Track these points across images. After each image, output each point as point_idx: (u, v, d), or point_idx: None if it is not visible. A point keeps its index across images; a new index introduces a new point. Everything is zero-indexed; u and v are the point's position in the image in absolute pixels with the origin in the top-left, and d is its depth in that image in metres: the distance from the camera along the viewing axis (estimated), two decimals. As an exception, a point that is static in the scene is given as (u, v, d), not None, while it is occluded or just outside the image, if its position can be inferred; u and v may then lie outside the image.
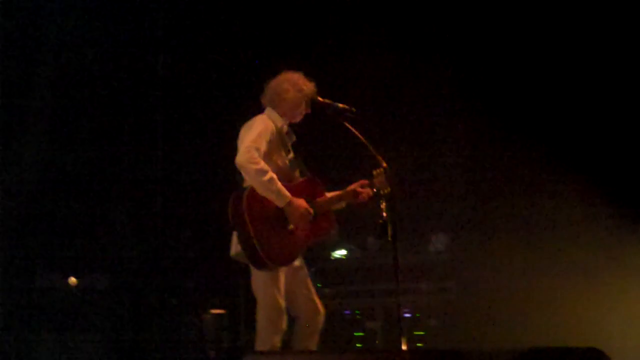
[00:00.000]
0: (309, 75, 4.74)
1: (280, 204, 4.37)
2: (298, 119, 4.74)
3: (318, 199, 4.62)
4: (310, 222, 4.53)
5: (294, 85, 4.67)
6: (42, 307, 5.99)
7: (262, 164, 4.32)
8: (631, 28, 6.46)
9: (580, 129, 6.58)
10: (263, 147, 4.41)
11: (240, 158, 4.34)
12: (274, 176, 4.35)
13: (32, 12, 6.72)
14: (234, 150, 4.59)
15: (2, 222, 6.44)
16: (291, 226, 4.44)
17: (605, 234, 6.26)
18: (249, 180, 4.36)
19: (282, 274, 4.48)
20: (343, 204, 4.76)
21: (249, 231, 4.26)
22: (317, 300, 4.67)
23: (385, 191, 4.56)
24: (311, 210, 4.49)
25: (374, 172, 4.64)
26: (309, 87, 4.69)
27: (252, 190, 4.33)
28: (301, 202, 4.45)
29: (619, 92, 6.50)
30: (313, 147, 5.59)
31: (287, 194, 4.39)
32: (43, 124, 6.85)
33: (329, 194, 4.72)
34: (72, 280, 6.12)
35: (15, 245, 6.38)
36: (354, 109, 4.64)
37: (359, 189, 4.73)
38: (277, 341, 4.45)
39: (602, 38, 6.53)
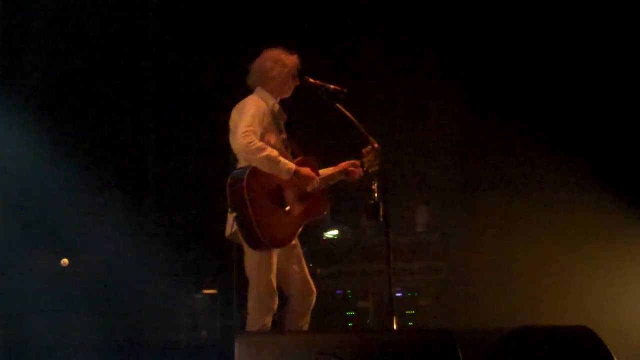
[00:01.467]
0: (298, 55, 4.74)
1: (286, 176, 4.43)
2: (288, 94, 4.76)
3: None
4: (305, 201, 4.56)
5: (277, 61, 4.68)
6: (33, 288, 5.98)
7: (260, 143, 4.36)
8: (631, 20, 6.45)
9: (576, 111, 6.59)
10: (258, 128, 4.43)
11: (239, 144, 4.37)
12: (275, 151, 4.39)
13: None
14: (225, 129, 4.61)
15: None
16: (288, 207, 4.47)
17: (597, 210, 6.28)
18: (253, 162, 4.37)
19: (276, 254, 4.51)
20: (332, 182, 4.79)
21: (249, 212, 4.28)
22: (310, 280, 4.70)
23: (373, 169, 4.66)
24: (315, 176, 4.52)
25: (363, 151, 4.72)
26: (291, 59, 4.70)
27: (252, 171, 4.35)
28: (305, 169, 4.53)
29: (621, 82, 6.49)
30: (304, 128, 5.60)
31: (292, 164, 4.45)
32: (37, 113, 6.82)
33: (321, 172, 4.75)
34: (64, 261, 6.11)
35: (6, 226, 6.36)
36: (345, 90, 4.65)
37: (350, 168, 4.77)
38: (267, 321, 4.49)
39: (602, 25, 6.52)
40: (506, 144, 6.92)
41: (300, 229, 4.60)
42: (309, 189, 4.57)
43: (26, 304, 5.92)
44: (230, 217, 4.41)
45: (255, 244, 4.37)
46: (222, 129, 4.65)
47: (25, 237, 6.32)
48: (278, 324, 4.71)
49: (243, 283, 4.64)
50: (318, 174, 4.70)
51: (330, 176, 4.76)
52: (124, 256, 6.78)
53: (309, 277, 4.71)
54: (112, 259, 6.56)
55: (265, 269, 4.45)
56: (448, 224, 6.90)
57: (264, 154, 4.35)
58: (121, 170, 7.19)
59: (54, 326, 5.98)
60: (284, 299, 4.65)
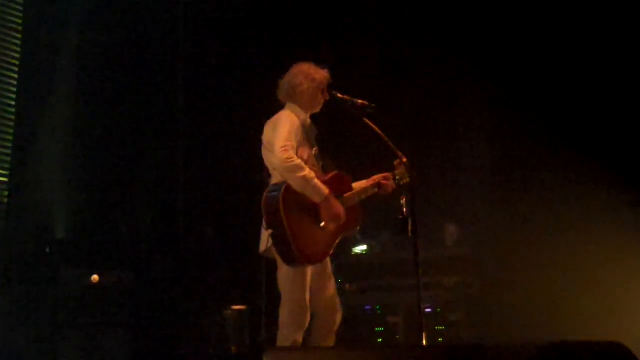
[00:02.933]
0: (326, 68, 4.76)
1: (317, 199, 4.41)
2: (318, 108, 4.76)
3: (347, 194, 4.65)
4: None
5: (307, 76, 4.68)
6: (66, 303, 6.03)
7: (299, 161, 4.37)
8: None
9: (601, 129, 6.53)
10: (295, 144, 4.44)
11: (277, 159, 4.37)
12: (312, 172, 4.40)
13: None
14: (257, 146, 4.63)
15: (26, 218, 6.50)
16: (323, 223, 4.46)
17: (631, 228, 6.21)
18: (289, 179, 4.37)
19: (310, 271, 4.50)
20: (365, 196, 4.78)
21: (285, 228, 4.27)
22: (338, 298, 4.69)
23: (405, 181, 4.65)
24: (344, 214, 4.50)
25: (395, 163, 4.70)
26: (321, 74, 4.71)
27: (288, 187, 4.35)
28: (337, 203, 4.47)
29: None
30: (334, 143, 5.61)
31: (325, 189, 4.43)
32: (64, 119, 6.90)
33: (354, 186, 4.74)
34: (95, 277, 6.16)
35: (39, 241, 6.43)
36: (373, 105, 4.66)
37: (383, 181, 4.76)
38: (299, 337, 4.47)
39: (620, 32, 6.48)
40: (539, 158, 6.87)
41: (335, 245, 4.58)
42: (331, 225, 4.48)
43: (58, 319, 5.95)
44: (265, 233, 4.41)
45: (291, 260, 4.36)
46: (255, 144, 4.67)
47: (56, 253, 6.38)
48: (307, 341, 4.70)
49: (273, 299, 4.64)
50: (351, 189, 4.70)
51: (364, 190, 4.75)
52: (154, 272, 6.82)
53: (336, 296, 4.70)
54: (142, 274, 6.60)
55: (299, 285, 4.44)
56: (479, 238, 6.86)
57: (302, 173, 4.35)
58: (152, 185, 7.24)
59: (85, 342, 6.01)
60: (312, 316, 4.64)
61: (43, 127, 6.69)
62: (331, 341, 4.63)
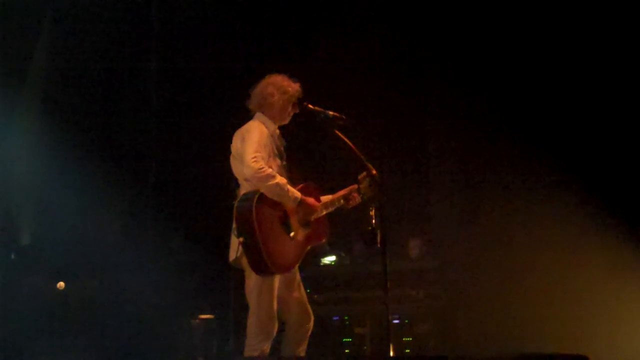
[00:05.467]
0: (298, 81, 4.77)
1: (292, 204, 4.47)
2: (286, 120, 4.78)
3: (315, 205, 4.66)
4: (308, 228, 4.57)
5: (279, 88, 4.70)
6: (31, 311, 5.96)
7: (270, 170, 4.40)
8: (630, 28, 6.48)
9: (575, 131, 6.58)
10: (264, 153, 4.45)
11: (249, 170, 4.38)
12: (284, 179, 4.43)
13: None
14: (226, 155, 4.62)
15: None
16: (293, 233, 4.48)
17: (598, 238, 6.27)
18: (262, 188, 4.39)
19: (277, 280, 4.50)
20: (332, 209, 4.80)
21: (257, 237, 4.29)
22: (308, 306, 4.70)
23: (369, 195, 4.68)
24: (319, 207, 4.56)
25: (359, 177, 4.74)
26: (293, 87, 4.72)
27: (260, 196, 4.37)
28: (310, 199, 4.57)
29: (617, 95, 6.50)
30: (303, 154, 5.62)
31: (298, 193, 4.49)
32: (32, 124, 6.85)
33: (323, 199, 4.76)
34: (60, 284, 6.10)
35: (4, 248, 6.36)
36: (344, 117, 4.68)
37: (352, 195, 4.79)
38: (266, 347, 4.48)
39: (598, 39, 6.55)
40: (507, 171, 6.93)
41: (303, 255, 4.60)
42: (312, 218, 4.58)
43: (23, 328, 5.89)
44: (236, 241, 4.42)
45: (261, 269, 4.37)
46: (224, 153, 4.67)
47: (21, 260, 6.31)
48: (275, 351, 4.70)
49: (240, 308, 4.63)
50: (320, 201, 4.72)
51: (330, 202, 4.77)
52: (121, 280, 6.77)
53: (307, 303, 4.71)
54: (109, 282, 6.55)
55: (267, 294, 4.45)
56: (446, 251, 6.90)
57: (275, 181, 4.38)
58: (120, 192, 7.19)
59: (51, 350, 5.95)
60: (282, 324, 4.64)
61: (9, 133, 6.63)
62: (302, 349, 4.65)
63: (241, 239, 4.33)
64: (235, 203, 4.41)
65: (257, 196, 4.36)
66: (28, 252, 6.54)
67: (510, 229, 6.68)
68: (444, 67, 7.09)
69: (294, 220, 4.52)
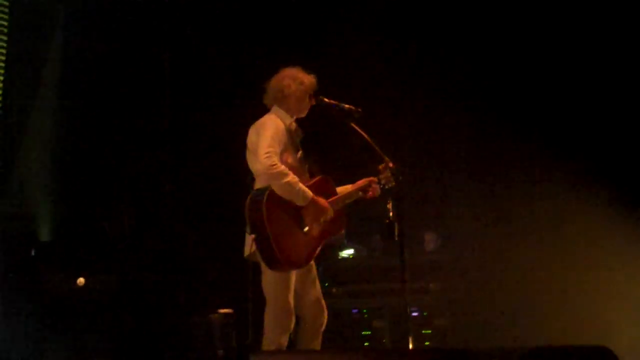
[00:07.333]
0: (313, 74, 4.76)
1: (302, 203, 4.42)
2: (304, 113, 4.77)
3: (331, 198, 4.64)
4: (323, 222, 4.55)
5: (295, 79, 4.70)
6: (49, 307, 5.99)
7: (283, 167, 4.38)
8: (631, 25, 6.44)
9: (587, 125, 6.57)
10: (278, 149, 4.43)
11: (261, 165, 4.37)
12: (295, 177, 4.39)
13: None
14: (242, 149, 4.62)
15: (11, 221, 6.47)
16: (306, 228, 4.46)
17: (617, 231, 6.24)
18: (273, 185, 4.37)
19: (294, 274, 4.50)
20: (350, 201, 4.78)
21: (268, 233, 4.27)
22: (322, 301, 4.70)
23: (390, 185, 4.66)
24: (330, 208, 4.51)
25: (380, 167, 4.71)
26: (309, 79, 4.72)
27: (271, 193, 4.36)
28: (322, 200, 4.51)
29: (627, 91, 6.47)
30: (319, 147, 5.60)
31: (310, 192, 4.44)
32: (48, 123, 6.88)
33: (339, 190, 4.74)
34: (80, 280, 6.13)
35: (22, 245, 6.40)
36: (359, 109, 4.67)
37: (372, 186, 4.77)
38: (284, 341, 4.48)
39: (604, 34, 6.51)
40: (524, 162, 6.90)
41: (319, 250, 4.58)
42: (322, 219, 4.54)
43: (42, 323, 5.92)
44: (249, 237, 4.41)
45: (274, 265, 4.36)
46: (240, 147, 4.66)
47: (41, 256, 6.34)
48: (293, 345, 4.70)
49: (259, 302, 4.63)
50: (336, 193, 4.70)
51: (348, 194, 4.75)
52: (139, 275, 6.79)
53: (322, 299, 4.71)
54: (128, 277, 6.57)
55: (283, 288, 4.45)
56: (465, 244, 6.87)
57: (286, 179, 4.36)
58: (137, 188, 7.21)
59: (70, 346, 5.98)
60: (297, 319, 4.64)
61: (27, 131, 6.66)
62: (317, 344, 4.65)
63: (253, 236, 4.33)
64: (248, 199, 4.40)
65: (267, 192, 4.34)
66: (48, 248, 6.57)
67: (529, 219, 6.66)
68: (463, 58, 7.04)
69: (307, 215, 4.50)
